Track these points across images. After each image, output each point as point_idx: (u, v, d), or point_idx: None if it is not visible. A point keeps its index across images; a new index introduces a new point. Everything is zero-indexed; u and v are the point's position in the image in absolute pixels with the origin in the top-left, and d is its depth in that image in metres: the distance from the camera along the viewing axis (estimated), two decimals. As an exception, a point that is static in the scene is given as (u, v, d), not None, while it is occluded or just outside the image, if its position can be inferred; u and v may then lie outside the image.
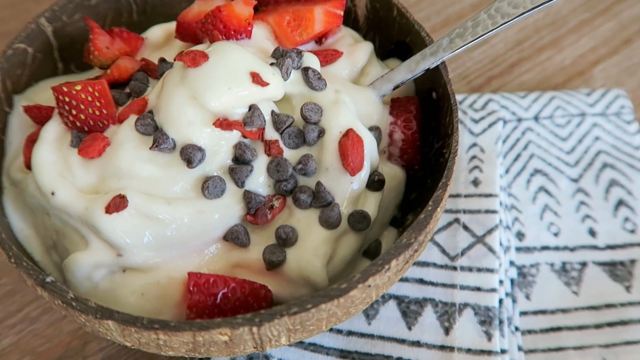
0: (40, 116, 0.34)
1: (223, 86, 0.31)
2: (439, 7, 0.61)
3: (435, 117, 0.38)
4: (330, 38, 0.40)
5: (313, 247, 0.31)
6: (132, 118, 0.32)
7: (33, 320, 0.42)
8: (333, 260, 0.32)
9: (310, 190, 0.32)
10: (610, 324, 0.39)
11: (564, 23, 0.59)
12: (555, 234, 0.44)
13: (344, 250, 0.32)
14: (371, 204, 0.33)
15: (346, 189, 0.32)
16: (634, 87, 0.54)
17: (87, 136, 0.32)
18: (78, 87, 0.31)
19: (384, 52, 0.42)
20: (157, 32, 0.39)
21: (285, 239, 0.31)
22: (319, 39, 0.39)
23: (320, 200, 0.32)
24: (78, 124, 0.32)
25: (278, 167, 0.32)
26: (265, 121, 0.32)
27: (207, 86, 0.30)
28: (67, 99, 0.32)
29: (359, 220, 0.32)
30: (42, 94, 0.38)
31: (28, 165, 0.33)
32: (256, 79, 0.31)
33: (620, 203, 0.44)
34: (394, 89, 0.37)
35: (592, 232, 0.43)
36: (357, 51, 0.38)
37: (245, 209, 0.32)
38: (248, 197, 0.31)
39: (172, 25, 0.39)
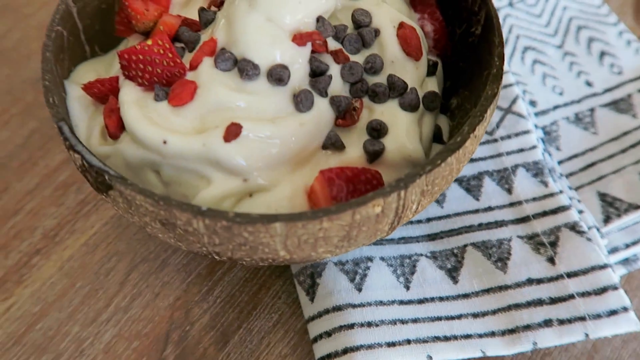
0: (103, 90, 0.35)
1: (294, 1, 0.33)
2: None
3: (451, 5, 0.42)
4: None
5: (405, 130, 0.34)
6: (206, 60, 0.33)
7: (126, 309, 0.42)
8: (422, 140, 0.35)
9: (384, 85, 0.35)
10: (632, 145, 0.46)
11: None
12: (560, 94, 0.50)
13: (426, 130, 0.36)
14: (434, 85, 0.37)
15: (414, 74, 0.35)
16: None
17: (174, 85, 0.33)
18: (150, 42, 0.32)
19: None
20: (183, -13, 0.40)
21: (380, 130, 0.34)
22: None
23: (396, 89, 0.35)
24: (155, 79, 0.33)
25: (351, 70, 0.35)
26: (333, 31, 0.34)
27: (279, 4, 0.32)
28: (140, 57, 0.32)
29: (431, 99, 0.36)
30: (84, 76, 0.38)
31: (114, 135, 0.34)
32: None
33: (603, 54, 0.51)
34: None
35: (588, 83, 0.50)
36: None
37: (334, 114, 0.34)
38: (337, 102, 0.34)
39: (193, -21, 0.40)
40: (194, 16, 0.38)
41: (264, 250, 0.30)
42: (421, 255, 0.40)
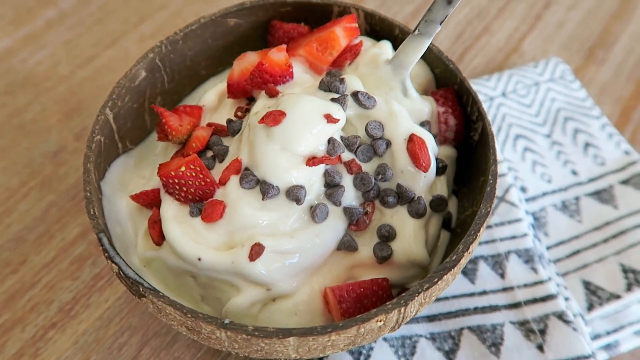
0: (148, 199, 0.40)
1: (305, 133, 0.37)
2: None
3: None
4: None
5: (411, 235, 0.39)
6: (233, 178, 0.38)
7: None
8: (427, 240, 0.40)
9: (393, 192, 0.39)
10: (614, 236, 0.49)
11: (487, 12, 0.68)
12: (549, 181, 0.53)
13: (432, 230, 0.40)
14: (443, 187, 0.41)
15: (422, 183, 0.39)
16: (557, 52, 0.64)
17: (206, 204, 0.37)
18: (183, 169, 0.37)
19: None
20: (211, 97, 0.44)
21: (388, 236, 0.39)
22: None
23: (405, 198, 0.39)
24: (190, 197, 0.38)
25: (363, 180, 0.39)
26: (344, 148, 0.39)
27: (293, 137, 0.37)
28: (176, 180, 0.37)
29: (438, 203, 0.40)
30: (118, 175, 0.43)
31: (157, 242, 0.39)
32: (329, 118, 0.38)
33: (587, 144, 0.55)
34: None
35: (574, 172, 0.53)
36: (381, 46, 0.44)
37: (347, 221, 0.39)
38: (349, 212, 0.38)
39: (220, 87, 0.44)
40: (224, 119, 0.42)
41: (278, 354, 0.34)
42: (421, 336, 0.44)
